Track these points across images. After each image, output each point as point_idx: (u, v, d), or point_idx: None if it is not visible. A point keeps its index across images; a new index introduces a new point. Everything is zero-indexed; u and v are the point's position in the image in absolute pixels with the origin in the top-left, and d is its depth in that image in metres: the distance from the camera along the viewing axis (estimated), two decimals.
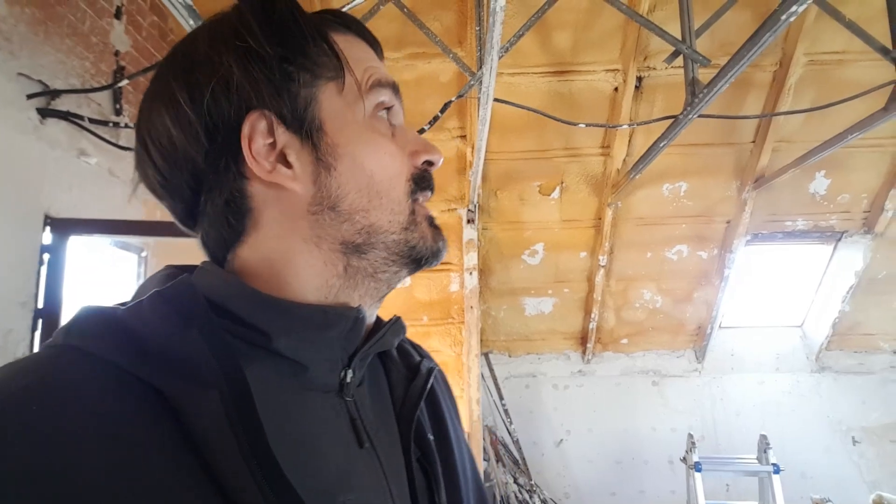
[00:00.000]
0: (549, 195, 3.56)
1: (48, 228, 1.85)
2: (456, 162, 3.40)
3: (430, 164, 0.51)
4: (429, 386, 0.54)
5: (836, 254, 3.97)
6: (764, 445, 3.06)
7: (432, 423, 0.55)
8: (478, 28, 2.45)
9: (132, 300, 0.42)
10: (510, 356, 4.36)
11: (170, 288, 0.41)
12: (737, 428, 4.30)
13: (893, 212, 3.59)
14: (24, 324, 1.69)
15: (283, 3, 0.47)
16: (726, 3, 2.47)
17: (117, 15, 2.25)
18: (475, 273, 3.38)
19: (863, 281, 3.86)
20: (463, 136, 3.28)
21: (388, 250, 0.48)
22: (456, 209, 3.52)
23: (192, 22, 1.58)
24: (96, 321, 0.39)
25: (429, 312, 3.99)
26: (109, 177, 2.19)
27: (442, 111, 2.01)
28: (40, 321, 1.72)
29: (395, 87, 0.51)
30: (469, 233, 3.38)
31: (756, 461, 3.12)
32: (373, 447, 0.46)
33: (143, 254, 2.48)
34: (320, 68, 0.47)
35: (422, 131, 2.07)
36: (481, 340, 4.26)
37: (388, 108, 0.51)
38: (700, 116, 2.28)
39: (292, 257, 0.46)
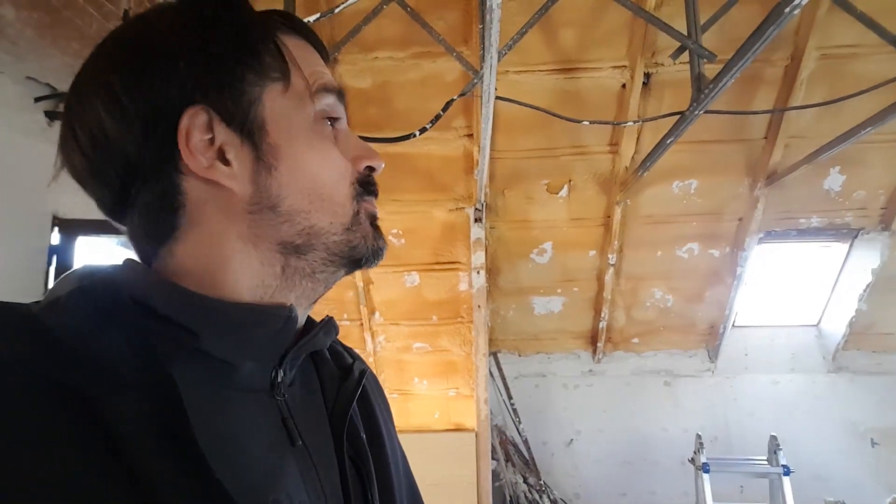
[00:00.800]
0: (557, 194, 3.54)
1: (56, 229, 1.88)
2: (463, 161, 3.39)
3: (371, 169, 0.52)
4: (361, 387, 0.55)
5: (852, 251, 3.89)
6: (774, 446, 3.01)
7: (364, 423, 0.56)
8: (481, 26, 2.45)
9: (46, 299, 0.41)
10: (519, 355, 4.35)
11: (90, 285, 0.40)
12: (750, 429, 4.23)
13: None
14: None
15: (235, 1, 0.47)
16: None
17: (124, 18, 2.28)
18: (483, 272, 3.37)
19: (880, 279, 3.78)
20: (470, 136, 3.28)
21: (329, 251, 0.48)
22: (463, 208, 3.52)
23: None
24: (6, 319, 0.38)
25: (438, 312, 3.98)
26: None
27: (444, 109, 2.01)
28: None
29: (340, 93, 0.52)
30: (476, 232, 3.37)
31: (766, 462, 3.07)
32: (304, 445, 0.46)
33: None
34: (266, 69, 0.47)
35: (424, 130, 2.08)
36: (490, 340, 4.25)
37: (333, 115, 0.51)
38: (707, 112, 2.25)
39: (228, 256, 0.45)
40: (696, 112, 2.22)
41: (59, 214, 1.90)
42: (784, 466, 2.94)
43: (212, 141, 0.45)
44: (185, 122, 0.44)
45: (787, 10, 1.57)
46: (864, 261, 3.83)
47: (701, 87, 2.15)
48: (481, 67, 2.22)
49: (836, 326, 4.16)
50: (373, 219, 0.52)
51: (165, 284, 0.43)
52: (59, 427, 0.33)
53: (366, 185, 0.51)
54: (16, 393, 0.33)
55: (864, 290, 3.87)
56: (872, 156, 3.40)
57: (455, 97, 2.05)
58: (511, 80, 3.06)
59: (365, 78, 3.14)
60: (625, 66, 3.04)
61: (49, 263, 1.87)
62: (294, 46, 0.50)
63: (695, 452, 3.17)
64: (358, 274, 3.75)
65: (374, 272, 3.82)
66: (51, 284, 1.93)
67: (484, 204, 3.41)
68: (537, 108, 2.17)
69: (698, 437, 3.20)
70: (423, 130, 2.08)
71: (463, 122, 3.25)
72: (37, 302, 0.41)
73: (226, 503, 0.35)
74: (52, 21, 1.86)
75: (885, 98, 2.36)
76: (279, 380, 0.47)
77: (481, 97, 2.01)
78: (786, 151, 3.30)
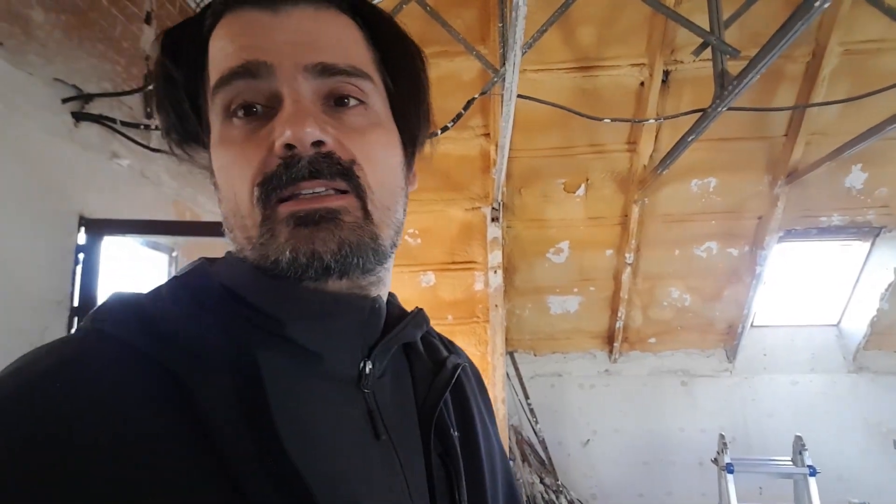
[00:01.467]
0: (574, 192, 3.52)
1: (83, 229, 1.90)
2: (480, 160, 3.39)
3: (288, 146, 0.41)
4: (454, 381, 0.52)
5: (873, 250, 3.84)
6: (799, 447, 2.97)
7: (458, 420, 0.53)
8: (501, 25, 2.44)
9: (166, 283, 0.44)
10: (535, 355, 4.33)
11: (186, 275, 0.43)
12: (770, 429, 4.19)
13: None
14: (61, 322, 1.74)
15: (180, 26, 0.47)
16: None
17: (147, 20, 2.30)
18: (500, 272, 3.37)
19: None
20: (486, 135, 3.27)
21: (260, 268, 0.43)
22: (480, 207, 3.51)
23: None
24: (118, 306, 0.41)
25: (453, 311, 3.98)
26: (141, 178, 2.24)
27: (465, 108, 2.01)
28: (75, 319, 1.77)
29: (246, 69, 0.42)
30: (493, 231, 3.37)
31: (791, 463, 3.03)
32: (390, 440, 0.45)
33: (174, 253, 2.53)
34: (203, 87, 0.46)
35: (445, 129, 2.07)
36: (506, 339, 4.24)
37: (244, 102, 0.43)
38: (730, 109, 2.23)
39: None
40: (720, 109, 2.20)
41: (85, 214, 1.92)
42: (810, 467, 2.90)
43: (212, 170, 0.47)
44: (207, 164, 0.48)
45: (817, 4, 1.55)
46: (886, 259, 3.78)
47: (724, 83, 2.13)
48: (501, 66, 2.22)
49: (857, 326, 4.11)
50: (297, 220, 0.41)
51: (249, 273, 0.44)
52: (151, 397, 0.36)
53: (272, 179, 0.41)
54: (121, 368, 0.37)
55: (886, 290, 3.81)
56: (895, 152, 3.35)
57: (476, 95, 2.05)
58: (529, 78, 3.05)
59: None
60: (643, 64, 3.02)
61: (76, 262, 1.89)
62: (222, 30, 0.45)
63: (718, 453, 3.13)
64: None
65: None
66: (77, 282, 1.96)
67: (501, 203, 3.41)
68: (559, 106, 2.16)
69: (721, 437, 3.17)
70: (444, 129, 2.08)
71: (480, 121, 3.24)
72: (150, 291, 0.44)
73: (300, 488, 0.35)
74: (78, 23, 1.88)
75: None
76: (367, 371, 0.46)
77: (502, 95, 2.01)
78: (807, 149, 3.26)
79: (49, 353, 0.37)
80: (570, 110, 2.20)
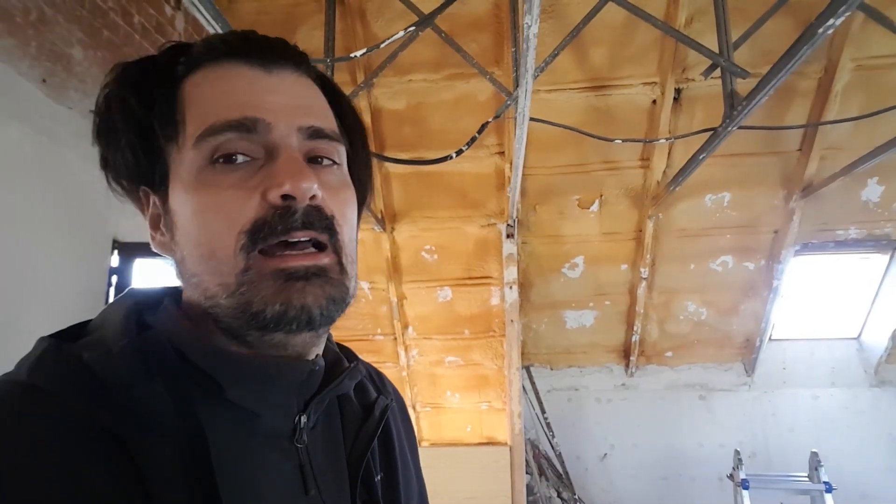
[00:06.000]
0: (589, 209, 3.57)
1: (116, 252, 2.00)
2: (495, 178, 3.45)
3: (288, 197, 0.43)
4: (380, 428, 0.55)
5: (892, 262, 3.81)
6: (815, 462, 2.95)
7: (382, 460, 0.56)
8: (514, 49, 2.52)
9: (95, 329, 0.44)
10: (552, 369, 4.35)
11: (141, 339, 0.42)
12: (790, 445, 4.14)
13: None
14: None
15: (143, 64, 0.48)
16: (766, 12, 2.45)
17: None
18: (515, 287, 3.41)
19: None
20: (501, 153, 3.34)
21: (228, 316, 0.44)
22: (496, 224, 3.57)
23: None
24: (60, 363, 0.40)
25: (470, 326, 4.03)
26: None
27: (479, 132, 2.08)
28: None
29: (243, 124, 0.44)
30: (508, 247, 3.42)
31: (807, 479, 3.01)
32: (319, 493, 0.47)
33: None
34: (168, 127, 0.46)
35: (460, 152, 2.14)
36: (522, 354, 4.26)
37: (228, 153, 0.44)
38: (740, 128, 2.26)
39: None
40: (730, 129, 2.23)
41: (118, 238, 2.02)
42: (826, 483, 2.88)
43: (156, 214, 0.49)
44: (143, 199, 0.49)
45: (821, 30, 1.59)
46: None
47: (734, 104, 2.17)
48: (514, 90, 2.28)
49: (878, 339, 4.06)
50: (286, 275, 0.43)
51: (193, 337, 0.45)
52: (97, 464, 0.36)
53: (263, 228, 0.43)
54: (65, 431, 0.37)
55: None
56: None
57: (490, 120, 2.11)
58: (542, 98, 3.12)
59: (400, 99, 3.24)
60: (655, 83, 3.07)
61: (109, 284, 1.99)
62: (207, 80, 0.46)
63: (734, 468, 3.13)
64: (392, 289, 3.84)
65: (407, 287, 3.90)
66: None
67: (516, 220, 3.46)
68: (570, 128, 2.21)
69: (737, 452, 3.16)
70: (459, 152, 2.15)
71: (494, 140, 3.31)
72: (84, 328, 0.45)
73: None
74: (113, 57, 1.99)
75: None
76: (301, 426, 0.47)
77: (515, 119, 2.07)
78: (821, 163, 3.27)
79: None
80: (581, 132, 2.25)
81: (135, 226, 2.09)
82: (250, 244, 0.42)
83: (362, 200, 0.55)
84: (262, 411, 0.45)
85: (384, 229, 3.52)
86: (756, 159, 3.34)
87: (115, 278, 1.98)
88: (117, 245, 2.00)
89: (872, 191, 3.46)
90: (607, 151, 3.32)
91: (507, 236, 3.42)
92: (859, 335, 4.22)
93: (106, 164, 0.49)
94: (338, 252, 0.46)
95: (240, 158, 0.44)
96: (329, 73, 2.35)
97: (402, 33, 1.88)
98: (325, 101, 0.52)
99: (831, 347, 4.25)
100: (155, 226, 0.49)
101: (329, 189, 0.47)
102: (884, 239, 3.67)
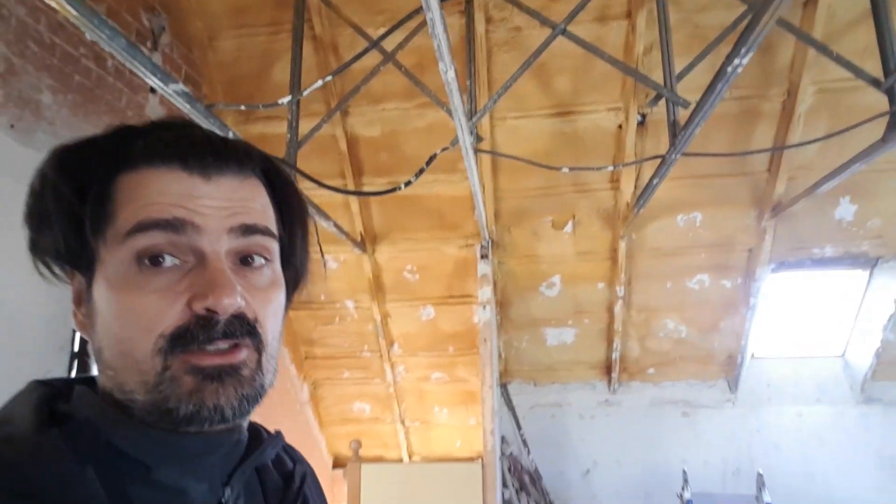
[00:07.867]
0: (562, 229, 3.64)
1: None
2: (470, 201, 3.54)
3: (212, 311, 0.45)
4: (301, 496, 0.58)
5: (872, 280, 3.81)
6: (760, 483, 2.97)
7: None
8: (468, 81, 2.63)
9: (1, 424, 0.44)
10: (535, 385, 4.41)
11: (69, 429, 0.44)
12: (777, 462, 4.13)
13: None
14: (62, 365, 1.96)
15: (82, 149, 0.49)
16: (707, 46, 2.53)
17: (153, 90, 2.57)
18: (489, 307, 3.50)
19: None
20: None
21: (142, 411, 0.45)
22: (473, 245, 3.68)
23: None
24: None
25: (454, 343, 4.13)
26: None
27: (427, 164, 2.18)
28: (75, 362, 2.00)
29: (172, 224, 0.45)
30: (482, 268, 3.51)
31: (755, 499, 3.03)
32: None
33: None
34: (100, 221, 0.47)
35: (409, 183, 2.25)
36: (506, 370, 4.34)
37: (154, 253, 0.45)
38: (684, 155, 2.34)
39: None
40: (674, 157, 2.31)
41: None
42: None
43: (79, 291, 0.50)
44: (71, 282, 0.51)
45: (730, 69, 1.67)
46: (886, 290, 3.74)
47: (676, 132, 2.26)
48: (470, 119, 2.39)
49: (863, 357, 4.05)
50: (202, 374, 0.45)
51: (118, 421, 0.46)
52: None
53: (185, 335, 0.44)
54: None
55: (889, 320, 3.77)
56: (884, 185, 3.36)
57: (437, 152, 2.22)
58: (510, 125, 3.22)
59: (375, 127, 3.37)
60: (619, 108, 3.15)
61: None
62: (144, 180, 0.47)
63: (682, 489, 3.15)
64: (375, 307, 3.95)
65: (391, 306, 4.01)
66: None
67: (490, 241, 3.56)
68: (519, 159, 2.32)
69: (684, 472, 3.18)
70: (407, 184, 2.26)
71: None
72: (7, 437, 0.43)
73: None
74: (84, 100, 2.14)
75: (880, 131, 2.37)
76: (225, 498, 0.49)
77: (463, 151, 2.18)
78: (790, 183, 3.31)
79: None
80: (531, 162, 2.35)
81: None
82: (169, 348, 0.44)
83: (295, 284, 0.57)
84: (190, 488, 0.47)
85: (364, 251, 3.64)
86: (725, 180, 3.39)
87: None
88: None
89: (845, 209, 3.49)
90: (577, 174, 3.41)
91: (482, 257, 3.51)
92: (843, 353, 4.21)
93: (34, 246, 0.50)
94: (259, 349, 0.48)
95: (167, 260, 0.45)
96: (295, 111, 2.48)
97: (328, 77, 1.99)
98: (266, 196, 0.53)
99: (815, 365, 4.24)
100: (78, 303, 0.50)
101: (255, 291, 0.49)
102: (861, 257, 3.68)
